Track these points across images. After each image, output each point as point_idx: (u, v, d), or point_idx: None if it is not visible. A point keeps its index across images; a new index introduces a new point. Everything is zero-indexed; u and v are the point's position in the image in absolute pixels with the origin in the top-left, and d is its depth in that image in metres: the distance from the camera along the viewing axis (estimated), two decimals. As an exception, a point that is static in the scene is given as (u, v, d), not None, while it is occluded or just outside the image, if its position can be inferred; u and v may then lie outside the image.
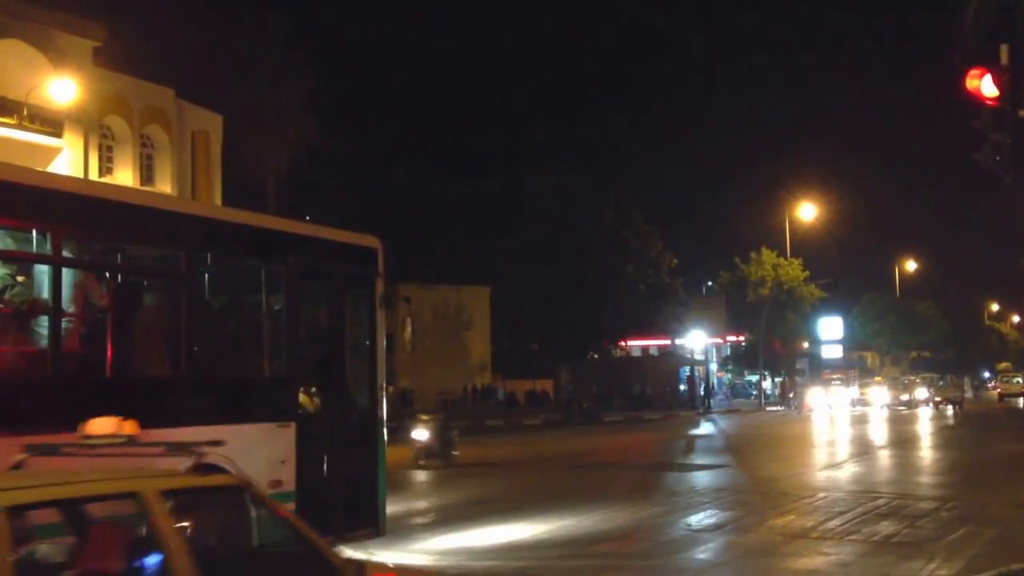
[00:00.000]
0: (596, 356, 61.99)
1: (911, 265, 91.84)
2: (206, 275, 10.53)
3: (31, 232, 8.68)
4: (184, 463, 4.99)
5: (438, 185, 57.94)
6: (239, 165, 38.30)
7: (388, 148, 54.87)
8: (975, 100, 10.40)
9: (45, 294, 8.60)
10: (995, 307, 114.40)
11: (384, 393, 12.42)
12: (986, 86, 10.25)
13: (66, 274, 8.73)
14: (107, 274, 10.03)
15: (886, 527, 14.68)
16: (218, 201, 32.94)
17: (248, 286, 11.45)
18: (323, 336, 12.01)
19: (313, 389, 11.40)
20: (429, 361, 45.06)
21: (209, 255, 10.48)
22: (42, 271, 8.73)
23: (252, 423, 10.09)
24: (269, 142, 40.03)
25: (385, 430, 12.24)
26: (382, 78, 63.95)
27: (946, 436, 36.89)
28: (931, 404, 65.18)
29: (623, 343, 64.80)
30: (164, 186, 31.45)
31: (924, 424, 45.14)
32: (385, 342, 12.57)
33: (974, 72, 10.28)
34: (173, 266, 10.13)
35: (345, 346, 12.12)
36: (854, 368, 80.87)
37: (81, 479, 4.84)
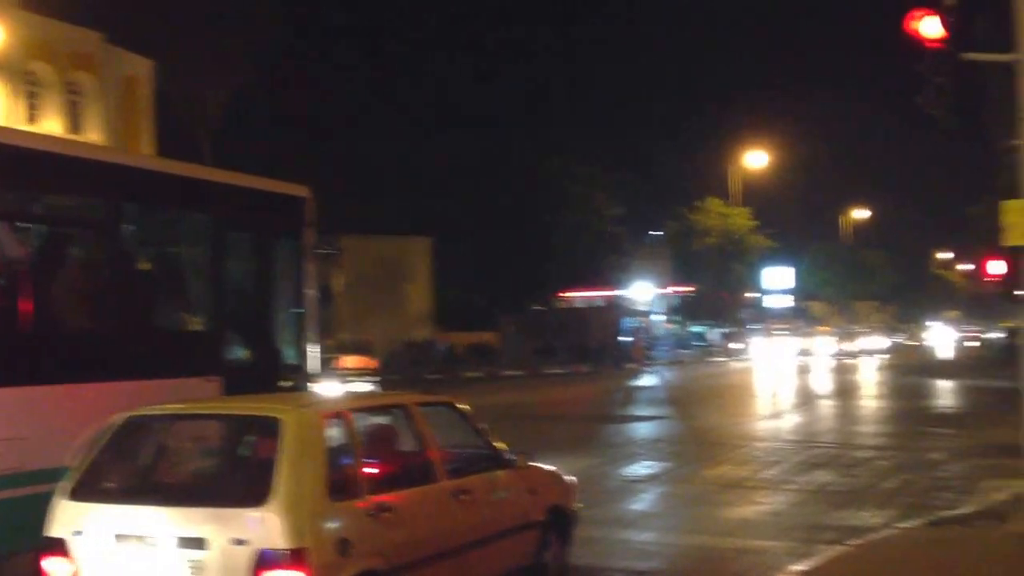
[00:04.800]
0: (541, 307, 61.86)
1: (861, 214, 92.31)
2: (126, 225, 10.12)
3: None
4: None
5: (380, 136, 57.20)
6: (175, 112, 37.36)
7: (331, 97, 53.86)
8: (918, 43, 10.23)
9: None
10: (944, 256, 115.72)
11: (317, 346, 12.11)
12: (929, 28, 10.08)
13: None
14: (20, 225, 9.58)
15: (821, 476, 14.76)
16: (150, 150, 32.11)
17: (171, 237, 11.08)
18: (250, 288, 11.66)
19: (240, 342, 11.11)
20: (368, 313, 44.61)
21: (129, 205, 10.06)
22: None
23: (177, 378, 9.78)
24: (206, 89, 39.04)
25: (317, 383, 11.96)
26: (325, 24, 62.64)
27: (888, 386, 37.30)
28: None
29: (567, 294, 64.76)
30: (92, 134, 30.51)
31: (868, 374, 45.69)
32: (318, 294, 12.27)
33: (917, 13, 10.12)
34: (91, 216, 9.75)
35: (273, 298, 11.80)
36: (801, 318, 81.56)
37: (378, 396, 9.29)
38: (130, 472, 6.86)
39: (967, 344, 79.49)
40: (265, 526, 5.79)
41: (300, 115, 49.18)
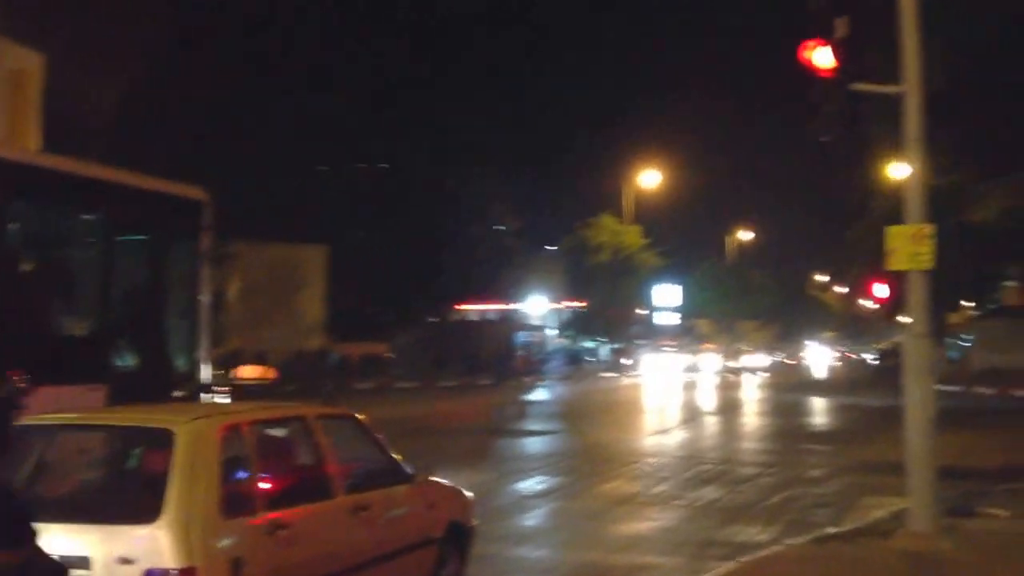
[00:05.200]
0: (435, 319, 61.76)
1: (747, 235, 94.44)
2: (10, 225, 9.76)
3: None
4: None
5: (276, 140, 56.32)
6: (66, 108, 36.22)
7: (226, 100, 52.86)
8: (811, 71, 10.50)
9: None
10: (822, 277, 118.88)
11: (208, 354, 11.87)
12: (822, 57, 10.34)
13: None
14: None
15: (709, 492, 14.98)
16: (38, 146, 31.04)
17: (59, 237, 10.71)
18: (142, 293, 11.37)
19: (129, 349, 10.80)
20: (261, 321, 43.93)
21: (14, 203, 9.71)
22: None
23: (59, 385, 9.38)
24: (101, 85, 37.96)
25: (210, 393, 11.70)
26: (229, 18, 61.07)
27: (770, 403, 38.15)
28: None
29: (462, 306, 64.81)
30: (-24, 128, 29.39)
31: (751, 391, 46.65)
32: (211, 300, 12.03)
33: (811, 43, 10.37)
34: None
35: (166, 304, 11.57)
36: (689, 335, 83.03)
37: (275, 407, 7.97)
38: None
39: (842, 363, 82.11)
40: (154, 544, 5.55)
41: (194, 116, 48.18)
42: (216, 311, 12.45)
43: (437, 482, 8.46)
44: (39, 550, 4.10)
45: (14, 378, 4.68)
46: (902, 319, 10.86)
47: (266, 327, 45.39)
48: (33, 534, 4.03)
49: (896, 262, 10.41)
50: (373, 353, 56.54)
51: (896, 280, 11.14)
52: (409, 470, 7.95)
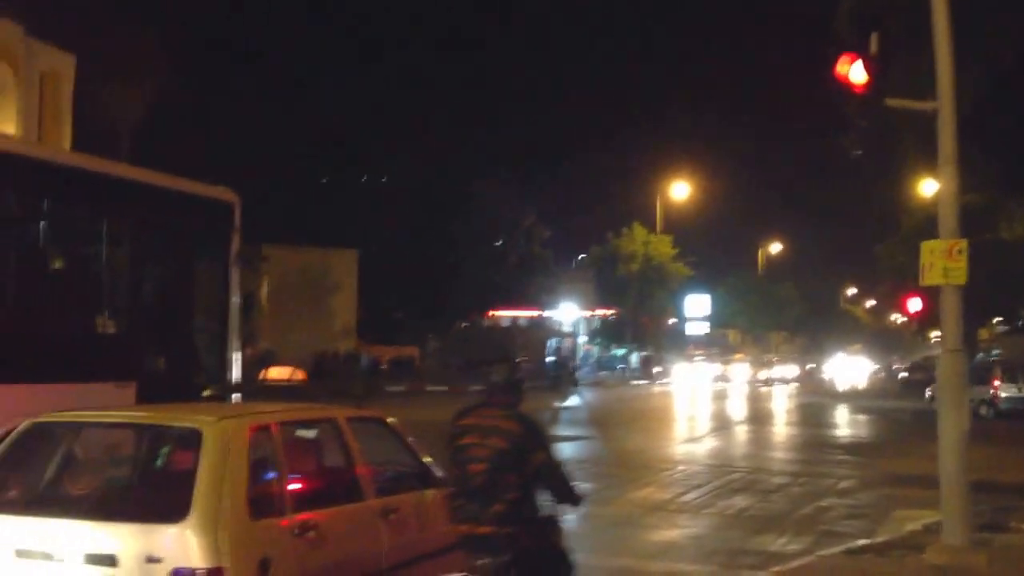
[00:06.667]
0: (465, 324, 61.87)
1: (775, 247, 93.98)
2: (42, 223, 9.83)
3: None
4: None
5: (308, 147, 56.66)
6: (94, 112, 36.48)
7: (259, 106, 53.20)
8: (845, 87, 10.41)
9: None
10: (852, 291, 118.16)
11: (238, 354, 11.89)
12: (856, 73, 10.25)
13: None
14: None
15: (740, 501, 14.90)
16: (70, 146, 31.27)
17: (90, 236, 10.66)
18: (171, 293, 11.45)
19: (159, 348, 10.84)
20: (292, 324, 44.15)
21: (46, 202, 9.76)
22: None
23: (89, 382, 9.48)
24: (126, 90, 38.22)
25: (240, 394, 11.72)
26: (250, 33, 61.35)
27: (799, 413, 37.86)
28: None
29: (492, 313, 64.83)
30: (7, 127, 29.46)
31: (780, 401, 46.37)
32: (241, 301, 12.06)
33: (845, 58, 10.27)
34: (5, 211, 9.42)
35: (195, 304, 11.63)
36: (718, 345, 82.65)
37: (305, 408, 7.59)
38: (35, 482, 6.45)
39: (878, 375, 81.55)
40: (181, 543, 5.46)
41: (224, 120, 48.48)
42: (247, 312, 12.49)
43: None
44: None
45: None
46: (933, 333, 10.80)
47: (297, 329, 45.64)
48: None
49: (930, 277, 10.31)
50: (403, 356, 56.65)
51: (928, 295, 11.01)
52: (440, 474, 7.70)
